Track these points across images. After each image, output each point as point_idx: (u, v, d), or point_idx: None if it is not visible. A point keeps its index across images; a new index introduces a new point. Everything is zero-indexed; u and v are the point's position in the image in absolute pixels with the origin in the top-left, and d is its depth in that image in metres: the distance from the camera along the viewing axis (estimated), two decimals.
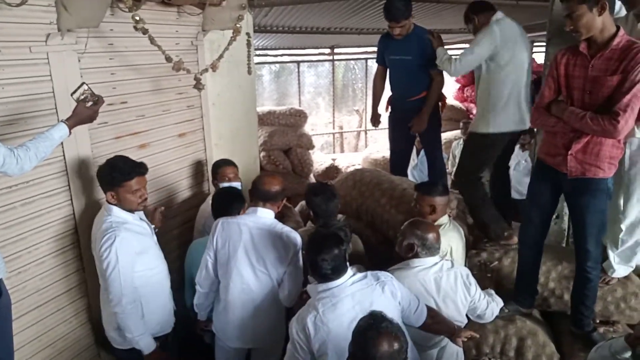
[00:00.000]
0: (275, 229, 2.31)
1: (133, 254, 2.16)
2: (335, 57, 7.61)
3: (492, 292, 2.51)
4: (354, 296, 1.91)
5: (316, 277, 1.97)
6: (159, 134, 2.94)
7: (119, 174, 2.15)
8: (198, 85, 2.80)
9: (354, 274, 1.98)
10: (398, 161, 4.07)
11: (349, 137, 8.34)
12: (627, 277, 2.61)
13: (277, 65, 7.77)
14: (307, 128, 6.47)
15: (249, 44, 3.28)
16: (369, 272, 2.02)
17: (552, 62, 2.32)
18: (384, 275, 2.00)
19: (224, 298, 2.33)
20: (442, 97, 3.86)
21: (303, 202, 4.95)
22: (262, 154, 5.98)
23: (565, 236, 3.01)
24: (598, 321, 2.62)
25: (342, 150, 8.23)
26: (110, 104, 2.56)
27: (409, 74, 3.64)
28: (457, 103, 7.84)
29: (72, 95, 2.05)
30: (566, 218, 2.92)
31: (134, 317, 2.16)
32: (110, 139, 2.63)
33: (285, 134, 6.03)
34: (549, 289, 2.64)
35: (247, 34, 3.27)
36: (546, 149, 2.37)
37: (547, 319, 2.73)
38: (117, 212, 2.18)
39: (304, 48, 7.42)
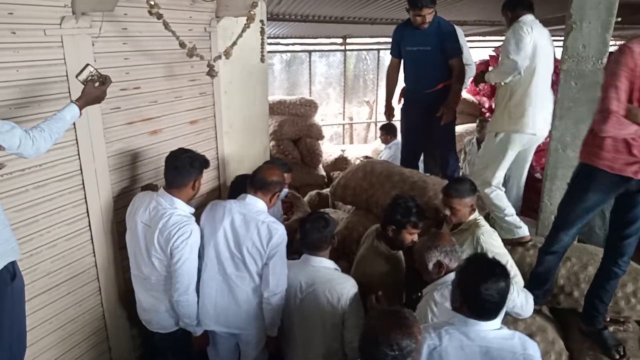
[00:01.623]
0: (259, 217, 2.29)
1: (198, 247, 2.31)
2: (347, 47, 7.55)
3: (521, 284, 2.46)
4: (486, 353, 1.65)
5: (465, 310, 1.70)
6: (170, 121, 2.93)
7: (204, 163, 2.39)
8: (211, 72, 2.78)
9: (501, 327, 1.72)
10: (410, 154, 4.03)
11: (358, 128, 8.31)
12: (637, 272, 2.59)
13: (289, 54, 7.74)
14: (317, 118, 6.44)
15: (262, 32, 3.25)
16: (517, 334, 1.72)
17: (626, 57, 1.96)
18: (532, 348, 1.67)
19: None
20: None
21: (312, 193, 4.96)
22: (272, 143, 5.97)
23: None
24: (608, 319, 2.60)
25: (351, 142, 8.19)
26: (123, 89, 2.56)
27: (427, 65, 3.58)
28: (469, 96, 7.77)
29: (77, 77, 2.06)
30: None
31: (194, 305, 2.32)
32: (123, 124, 2.62)
33: (295, 124, 6.02)
34: (559, 286, 2.63)
35: (261, 21, 3.24)
36: (615, 158, 2.11)
37: (556, 316, 2.72)
38: (183, 206, 2.32)
39: (316, 37, 7.38)
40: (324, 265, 2.34)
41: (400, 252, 2.57)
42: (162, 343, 2.51)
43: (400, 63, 3.77)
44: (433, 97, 3.63)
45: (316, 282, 2.27)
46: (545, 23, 3.03)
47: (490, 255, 2.36)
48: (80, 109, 2.02)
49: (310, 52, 7.52)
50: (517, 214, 2.96)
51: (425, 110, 3.66)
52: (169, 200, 2.29)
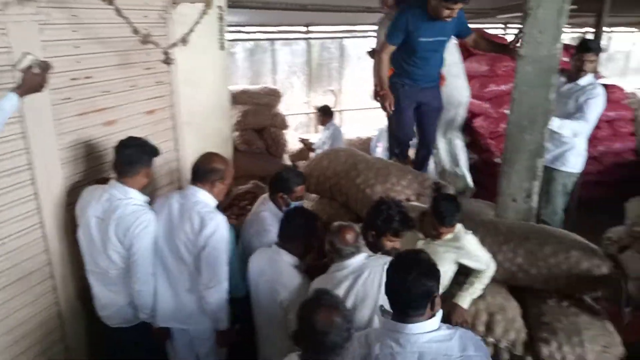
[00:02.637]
0: (195, 207, 2.24)
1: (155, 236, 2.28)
2: (311, 35, 7.49)
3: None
4: (419, 356, 1.56)
5: (394, 312, 1.66)
6: (126, 111, 2.83)
7: (155, 151, 2.33)
8: (167, 60, 2.70)
9: (439, 328, 1.62)
10: (406, 149, 3.89)
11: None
12: (592, 250, 2.69)
13: (251, 43, 7.60)
14: (282, 108, 6.38)
15: (221, 18, 3.18)
16: (458, 333, 1.62)
17: None
18: (474, 347, 1.59)
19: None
20: (441, 76, 3.78)
21: None
22: (235, 133, 5.88)
23: (534, 214, 3.07)
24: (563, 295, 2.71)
25: (316, 131, 8.16)
26: (74, 79, 2.46)
27: (439, 55, 3.51)
28: None
29: (16, 66, 1.97)
30: (535, 197, 2.97)
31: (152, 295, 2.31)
32: (75, 115, 2.52)
33: (259, 114, 5.94)
34: (517, 264, 2.70)
35: (219, 7, 3.17)
36: None
37: (515, 294, 2.80)
38: (137, 195, 2.26)
39: (279, 25, 7.28)
40: (282, 258, 2.32)
41: None
42: (125, 337, 2.45)
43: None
44: (434, 88, 3.59)
45: (268, 273, 2.29)
46: (503, 11, 3.09)
47: (473, 257, 2.50)
48: (21, 96, 1.93)
49: (273, 40, 7.42)
50: None
51: (423, 102, 3.61)
52: (123, 190, 2.23)
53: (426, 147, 3.92)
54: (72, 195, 2.48)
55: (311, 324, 1.55)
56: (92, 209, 2.25)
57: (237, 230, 2.72)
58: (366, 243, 2.38)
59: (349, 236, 2.18)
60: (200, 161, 2.36)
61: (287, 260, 2.31)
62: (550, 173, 3.53)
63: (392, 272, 1.67)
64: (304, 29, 7.33)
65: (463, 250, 2.50)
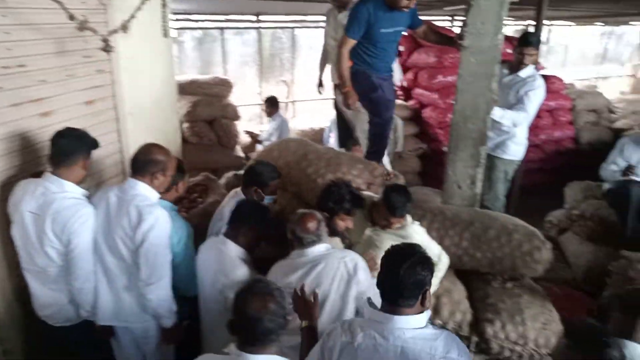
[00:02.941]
0: (133, 201, 2.16)
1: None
2: (261, 25, 7.39)
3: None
4: (401, 353, 1.53)
5: (383, 301, 1.65)
6: (63, 101, 2.69)
7: (93, 142, 2.25)
8: (106, 48, 2.58)
9: (426, 326, 1.60)
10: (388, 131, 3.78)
11: None
12: (532, 233, 2.81)
13: (200, 31, 7.41)
14: (233, 98, 6.27)
15: (163, 4, 3.07)
16: (444, 334, 1.60)
17: None
18: (457, 350, 1.56)
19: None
20: None
21: (229, 174, 4.85)
22: (186, 125, 5.73)
23: (479, 200, 3.18)
24: (506, 277, 2.82)
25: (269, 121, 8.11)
26: (5, 67, 2.31)
27: (396, 45, 3.50)
28: None
29: None
30: (479, 184, 3.08)
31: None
32: (7, 106, 2.37)
33: (209, 105, 5.81)
34: (463, 247, 2.79)
35: None
36: None
37: (462, 278, 2.89)
38: (74, 188, 2.17)
39: (228, 14, 7.13)
40: (228, 248, 2.30)
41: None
42: (68, 337, 2.35)
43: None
44: (390, 77, 3.58)
45: (213, 263, 2.28)
46: (449, 3, 3.16)
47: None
48: None
49: (222, 29, 7.26)
50: None
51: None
52: (58, 183, 2.12)
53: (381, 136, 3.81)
54: (6, 191, 2.34)
55: (244, 311, 1.56)
56: (26, 204, 2.13)
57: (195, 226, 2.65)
58: None
59: (311, 224, 2.19)
60: (139, 153, 2.26)
61: (233, 250, 2.28)
62: (492, 160, 3.68)
63: (387, 260, 1.66)
64: (254, 18, 7.21)
65: (409, 240, 2.44)
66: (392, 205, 2.43)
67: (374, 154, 3.65)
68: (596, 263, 3.54)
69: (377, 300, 1.88)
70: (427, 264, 1.64)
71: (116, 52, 2.82)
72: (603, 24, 9.94)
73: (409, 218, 2.58)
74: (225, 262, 2.24)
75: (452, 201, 3.15)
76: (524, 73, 3.60)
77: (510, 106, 3.57)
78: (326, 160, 3.32)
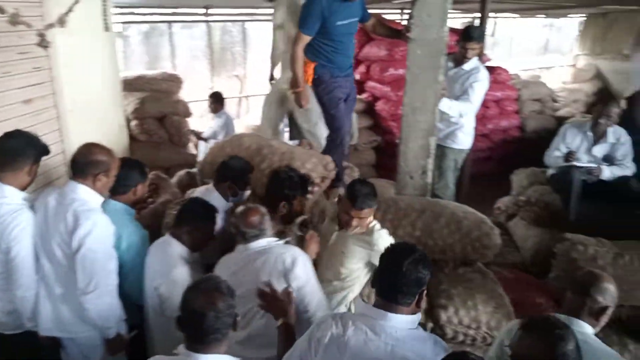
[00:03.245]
0: (72, 205, 2.05)
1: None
2: (211, 18, 7.22)
3: None
4: (391, 352, 1.53)
5: (377, 296, 1.64)
6: None
7: (44, 149, 2.14)
8: (42, 43, 2.47)
9: (417, 328, 1.61)
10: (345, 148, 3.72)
11: (229, 103, 8.07)
12: (481, 220, 2.90)
13: (147, 25, 7.16)
14: (184, 94, 6.11)
15: None
16: (432, 338, 1.63)
17: None
18: (446, 349, 1.59)
19: None
20: None
21: (181, 172, 4.73)
22: (134, 122, 5.54)
23: (430, 189, 3.25)
24: (458, 263, 2.90)
25: None
26: None
27: (352, 37, 3.41)
28: None
29: None
30: (430, 174, 3.15)
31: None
32: None
33: (158, 101, 5.64)
34: (415, 236, 2.85)
35: None
36: None
37: None
38: (14, 193, 2.08)
39: (176, 7, 6.92)
40: (172, 247, 2.25)
41: None
42: (12, 347, 2.23)
43: None
44: (352, 73, 3.53)
45: (155, 261, 2.26)
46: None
47: None
48: None
49: (170, 22, 7.05)
50: None
51: (347, 90, 3.49)
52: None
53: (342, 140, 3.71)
54: None
55: (190, 308, 1.53)
56: None
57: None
58: (281, 217, 2.46)
59: (254, 219, 2.15)
60: (78, 153, 2.14)
61: (176, 250, 2.23)
62: (442, 150, 3.79)
63: (388, 256, 1.65)
64: (203, 11, 7.03)
65: (375, 247, 2.33)
66: (353, 194, 2.29)
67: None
68: (542, 246, 3.70)
69: (317, 298, 1.97)
70: (428, 264, 1.64)
71: (54, 48, 2.69)
72: (545, 16, 10.36)
73: (376, 224, 2.44)
74: (165, 261, 2.18)
75: (404, 191, 3.20)
76: (467, 66, 3.70)
77: (456, 98, 3.67)
78: (280, 155, 3.29)
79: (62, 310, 2.15)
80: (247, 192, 2.80)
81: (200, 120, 7.01)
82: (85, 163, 2.10)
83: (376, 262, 2.17)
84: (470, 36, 3.65)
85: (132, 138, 5.63)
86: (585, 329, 1.81)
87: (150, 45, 7.03)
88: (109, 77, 3.31)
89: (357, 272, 2.44)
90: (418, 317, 1.63)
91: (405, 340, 1.54)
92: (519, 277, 3.50)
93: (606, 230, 3.36)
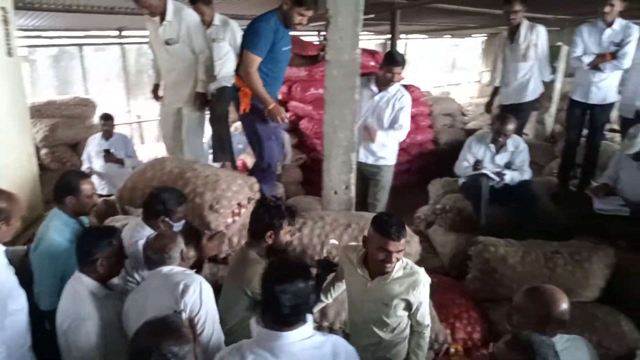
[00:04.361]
0: None
1: None
2: (125, 40, 7.02)
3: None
4: None
5: (267, 320, 1.60)
6: None
7: None
8: None
9: (312, 335, 1.60)
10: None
11: (149, 126, 7.85)
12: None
13: (56, 49, 6.81)
14: (98, 119, 5.85)
15: (5, 21, 2.80)
16: (330, 339, 1.63)
17: None
18: (344, 355, 1.61)
19: None
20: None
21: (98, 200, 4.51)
22: (44, 150, 5.25)
23: (354, 203, 3.37)
24: None
25: (142, 142, 7.72)
26: None
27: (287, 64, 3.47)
28: None
29: None
30: (353, 188, 3.27)
31: None
32: None
33: (71, 127, 5.39)
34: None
35: (3, 8, 2.79)
36: None
37: None
38: None
39: (86, 30, 6.66)
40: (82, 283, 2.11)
41: None
42: None
43: None
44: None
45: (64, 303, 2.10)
46: (314, 19, 3.30)
47: (421, 299, 2.19)
48: None
49: (81, 45, 6.75)
50: None
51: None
52: None
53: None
54: None
55: (153, 351, 1.44)
56: None
57: None
58: (267, 249, 2.38)
59: (158, 244, 2.12)
60: None
61: (86, 284, 2.07)
62: (380, 169, 3.94)
63: (270, 279, 1.62)
64: (116, 33, 6.82)
65: (417, 287, 2.16)
66: (385, 227, 2.06)
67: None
68: (459, 250, 3.96)
69: (211, 329, 1.94)
70: (310, 278, 1.63)
71: None
72: (450, 37, 11.18)
73: (408, 262, 2.24)
74: (72, 299, 2.04)
75: (330, 207, 3.29)
76: (392, 89, 3.79)
77: (387, 120, 3.80)
78: (204, 178, 3.26)
79: None
80: (181, 223, 2.62)
81: None
82: None
83: (412, 298, 2.15)
84: (396, 60, 3.70)
85: (43, 167, 5.30)
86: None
87: (59, 69, 6.69)
88: (14, 104, 3.10)
89: (405, 319, 2.28)
90: (311, 322, 1.62)
91: (304, 352, 1.55)
92: (440, 280, 3.71)
93: (513, 231, 3.68)
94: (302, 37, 6.77)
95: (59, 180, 2.59)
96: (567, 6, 6.73)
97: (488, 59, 10.74)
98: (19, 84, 3.14)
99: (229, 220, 2.93)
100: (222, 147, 4.15)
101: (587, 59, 4.23)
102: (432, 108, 7.33)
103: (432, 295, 2.99)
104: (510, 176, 3.91)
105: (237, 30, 4.30)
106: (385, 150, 3.91)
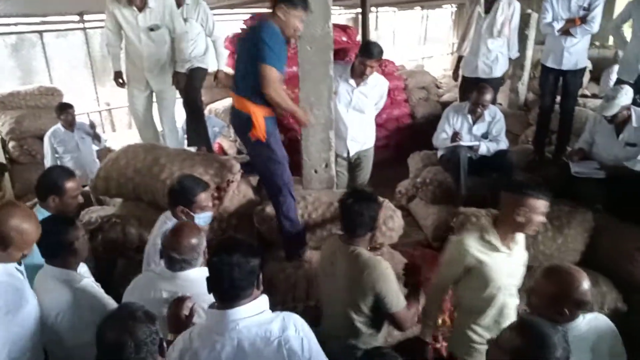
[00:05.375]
0: None
1: None
2: (87, 24, 6.72)
3: None
4: (238, 345, 1.49)
5: (216, 299, 1.58)
6: None
7: None
8: None
9: (262, 312, 1.55)
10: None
11: (119, 113, 7.61)
12: (384, 204, 3.05)
13: (14, 37, 6.49)
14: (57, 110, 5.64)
15: None
16: (281, 316, 1.58)
17: None
18: (294, 328, 1.55)
19: None
20: None
21: None
22: (12, 144, 5.07)
23: (335, 182, 3.35)
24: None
25: (113, 129, 7.49)
26: None
27: None
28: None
29: None
30: (333, 166, 3.25)
31: None
32: None
33: (38, 118, 5.21)
34: (327, 229, 2.94)
35: None
36: None
37: None
38: None
39: (45, 15, 6.35)
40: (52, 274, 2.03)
41: None
42: None
43: None
44: None
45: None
46: None
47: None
48: None
49: (41, 32, 6.45)
50: None
51: None
52: None
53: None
54: None
55: (106, 343, 1.43)
56: None
57: None
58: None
59: (187, 241, 2.01)
60: None
61: (56, 275, 1.99)
62: (366, 153, 3.94)
63: (214, 258, 1.56)
64: (77, 17, 6.53)
65: None
66: (520, 186, 2.23)
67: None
68: (441, 222, 3.98)
69: None
70: (255, 252, 1.58)
71: None
72: (421, 8, 11.09)
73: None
74: (43, 289, 1.97)
75: (311, 186, 3.27)
76: (372, 82, 3.71)
77: (368, 111, 3.79)
78: (179, 163, 3.21)
79: None
80: (206, 215, 2.51)
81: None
82: None
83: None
84: (371, 53, 3.52)
85: (12, 161, 5.13)
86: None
87: (20, 58, 6.39)
88: None
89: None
90: (261, 299, 1.58)
91: (249, 328, 1.52)
92: (424, 253, 3.75)
93: (493, 200, 3.71)
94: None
95: (42, 177, 2.48)
96: None
97: (459, 30, 10.72)
98: None
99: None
100: (197, 131, 4.09)
101: (558, 25, 4.24)
102: (407, 82, 7.31)
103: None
104: (485, 147, 3.93)
105: (208, 11, 4.21)
106: (365, 134, 3.88)
